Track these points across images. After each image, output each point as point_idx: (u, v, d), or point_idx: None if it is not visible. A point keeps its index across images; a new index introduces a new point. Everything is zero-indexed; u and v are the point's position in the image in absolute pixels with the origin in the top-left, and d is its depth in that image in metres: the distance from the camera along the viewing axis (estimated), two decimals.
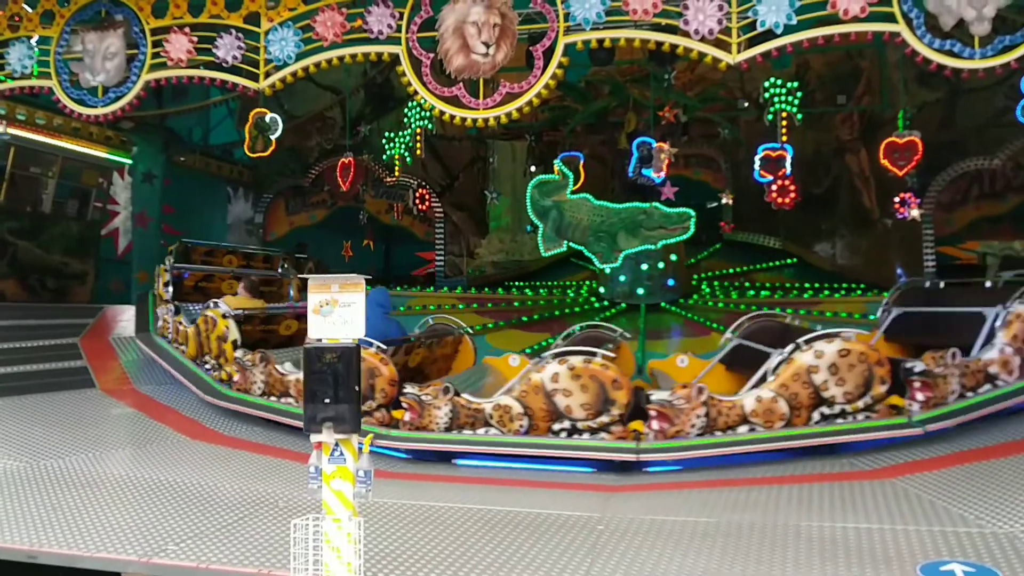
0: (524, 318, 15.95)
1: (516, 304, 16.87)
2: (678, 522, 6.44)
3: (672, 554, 5.60)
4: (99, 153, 17.69)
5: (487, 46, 9.64)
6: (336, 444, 5.03)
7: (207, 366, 11.90)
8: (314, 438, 5.03)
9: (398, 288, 17.37)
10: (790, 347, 8.46)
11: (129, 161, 18.14)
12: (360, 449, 5.10)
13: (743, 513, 6.67)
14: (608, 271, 15.85)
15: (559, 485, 8.09)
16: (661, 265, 16.24)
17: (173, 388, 11.99)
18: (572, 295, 17.56)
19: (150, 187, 17.63)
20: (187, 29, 10.70)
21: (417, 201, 20.36)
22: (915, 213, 14.60)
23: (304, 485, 5.25)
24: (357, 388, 5.07)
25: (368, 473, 5.10)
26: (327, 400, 4.98)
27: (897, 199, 14.69)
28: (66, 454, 8.72)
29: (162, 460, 8.74)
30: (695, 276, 17.91)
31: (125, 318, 15.35)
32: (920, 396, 8.26)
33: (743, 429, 8.30)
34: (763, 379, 8.50)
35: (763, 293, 16.34)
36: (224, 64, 10.64)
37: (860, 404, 8.26)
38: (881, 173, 14.84)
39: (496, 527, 6.40)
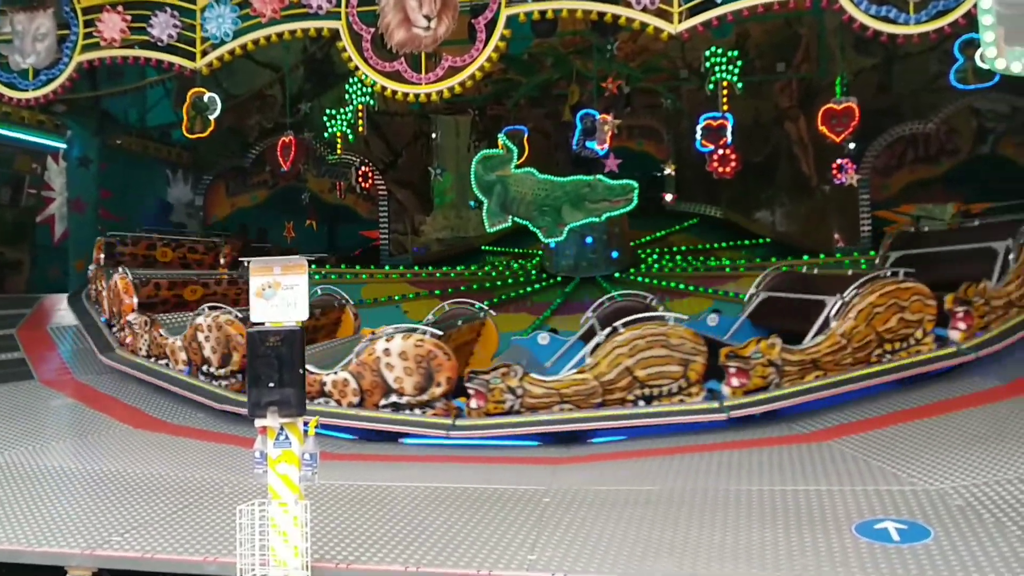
0: (459, 288, 16.00)
1: (459, 283, 16.85)
2: (621, 491, 6.56)
3: (616, 522, 5.71)
4: (32, 138, 17.19)
5: (428, 19, 9.56)
6: (281, 428, 5.02)
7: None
8: (259, 423, 5.02)
9: (343, 266, 17.27)
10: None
11: (63, 145, 17.62)
12: (305, 432, 5.10)
13: (684, 480, 6.80)
14: (552, 245, 15.92)
15: (505, 460, 8.17)
16: (605, 237, 16.35)
17: (114, 377, 11.77)
18: (517, 268, 17.60)
19: (86, 172, 17.09)
20: (120, 7, 10.45)
21: (360, 179, 20.12)
22: (852, 179, 14.86)
23: (250, 471, 5.23)
24: (301, 371, 5.07)
25: (314, 456, 5.10)
26: (271, 384, 4.97)
27: (834, 165, 14.95)
28: (5, 448, 8.53)
29: (105, 451, 8.61)
30: (664, 250, 18.05)
31: (63, 307, 15.00)
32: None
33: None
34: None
35: (711, 263, 16.52)
36: (159, 43, 10.42)
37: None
38: (819, 140, 15.10)
39: (443, 504, 6.44)
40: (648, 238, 18.65)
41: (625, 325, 8.63)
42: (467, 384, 8.85)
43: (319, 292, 13.23)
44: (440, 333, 9.11)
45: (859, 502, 5.78)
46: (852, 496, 5.92)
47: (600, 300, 11.47)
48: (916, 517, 5.39)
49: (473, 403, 8.78)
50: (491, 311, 12.65)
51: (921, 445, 7.03)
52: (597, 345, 8.67)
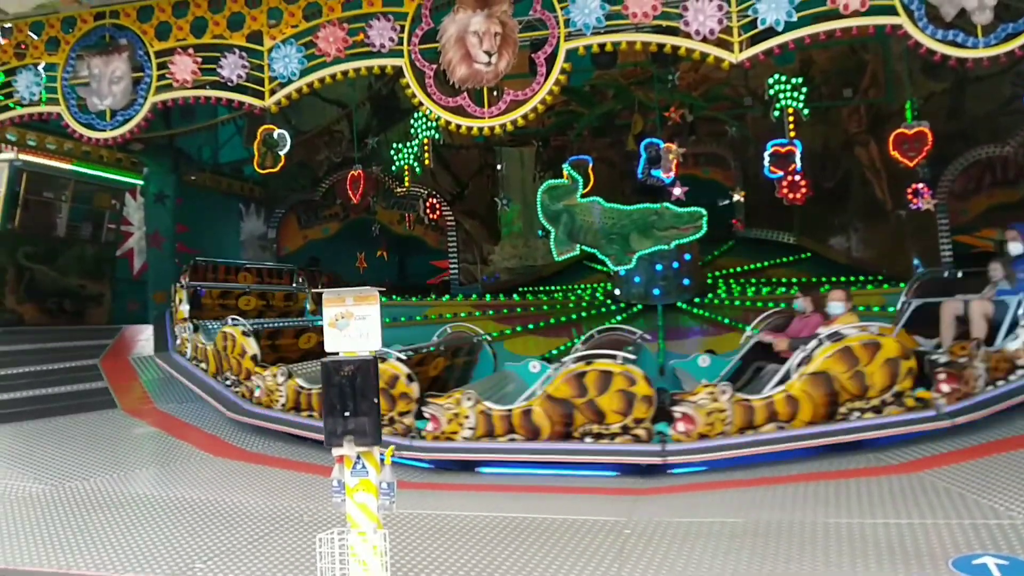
0: (541, 323, 16.06)
1: (532, 309, 16.81)
2: (705, 523, 6.39)
3: (701, 556, 5.56)
4: (111, 175, 17.83)
5: (489, 55, 9.64)
6: (358, 457, 5.02)
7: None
8: (336, 451, 5.02)
9: (413, 299, 17.39)
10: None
11: (140, 182, 18.26)
12: (382, 461, 5.09)
13: (771, 512, 6.61)
14: (622, 273, 15.82)
15: (584, 490, 8.05)
16: (675, 265, 16.18)
17: (193, 406, 12.04)
18: (588, 298, 17.51)
19: (162, 207, 17.68)
20: (191, 50, 10.73)
21: (428, 210, 20.42)
22: (928, 203, 14.51)
23: (328, 499, 5.24)
24: (376, 400, 5.06)
25: (391, 485, 5.08)
26: (347, 413, 4.98)
27: (910, 190, 14.61)
28: (91, 475, 8.77)
29: (186, 478, 8.77)
30: (710, 274, 17.84)
31: (143, 337, 15.46)
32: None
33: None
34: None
35: (779, 290, 16.20)
36: (229, 83, 10.64)
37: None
38: (892, 165, 14.79)
39: (521, 535, 6.37)
40: (748, 268, 18.40)
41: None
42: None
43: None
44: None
45: (955, 536, 5.53)
46: (947, 530, 5.67)
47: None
48: (1018, 553, 5.13)
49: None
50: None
51: (1018, 477, 6.70)
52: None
